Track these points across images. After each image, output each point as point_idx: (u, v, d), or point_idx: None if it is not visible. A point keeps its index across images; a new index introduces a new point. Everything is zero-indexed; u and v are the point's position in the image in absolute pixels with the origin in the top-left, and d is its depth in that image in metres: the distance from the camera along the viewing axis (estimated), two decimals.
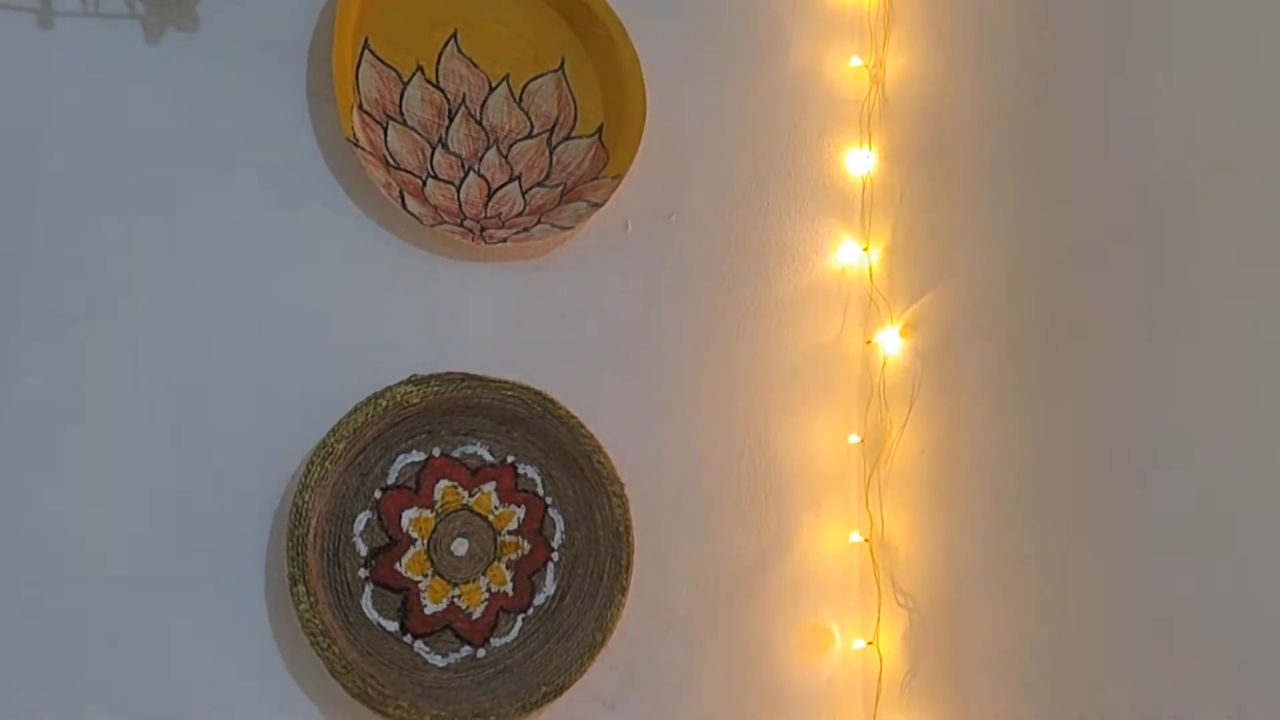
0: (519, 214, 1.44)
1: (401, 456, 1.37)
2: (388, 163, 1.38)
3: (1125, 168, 1.25)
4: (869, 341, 1.58)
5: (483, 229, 1.40)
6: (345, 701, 1.29)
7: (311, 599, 1.26)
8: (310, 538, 1.28)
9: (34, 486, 1.24)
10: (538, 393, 1.39)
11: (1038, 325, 1.35)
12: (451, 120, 1.42)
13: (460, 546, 1.37)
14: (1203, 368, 1.14)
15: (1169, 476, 1.17)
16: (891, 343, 1.54)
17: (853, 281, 1.59)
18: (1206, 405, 1.13)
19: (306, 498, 1.28)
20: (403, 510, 1.35)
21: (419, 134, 1.40)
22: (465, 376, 1.36)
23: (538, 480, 1.41)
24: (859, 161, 1.61)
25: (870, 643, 1.51)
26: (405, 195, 1.36)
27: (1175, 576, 1.15)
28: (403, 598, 1.34)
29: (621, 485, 1.41)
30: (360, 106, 1.37)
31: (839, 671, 1.53)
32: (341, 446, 1.30)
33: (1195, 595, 1.13)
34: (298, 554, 1.27)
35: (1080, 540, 1.27)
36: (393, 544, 1.35)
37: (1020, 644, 1.34)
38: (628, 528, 1.41)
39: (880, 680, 1.50)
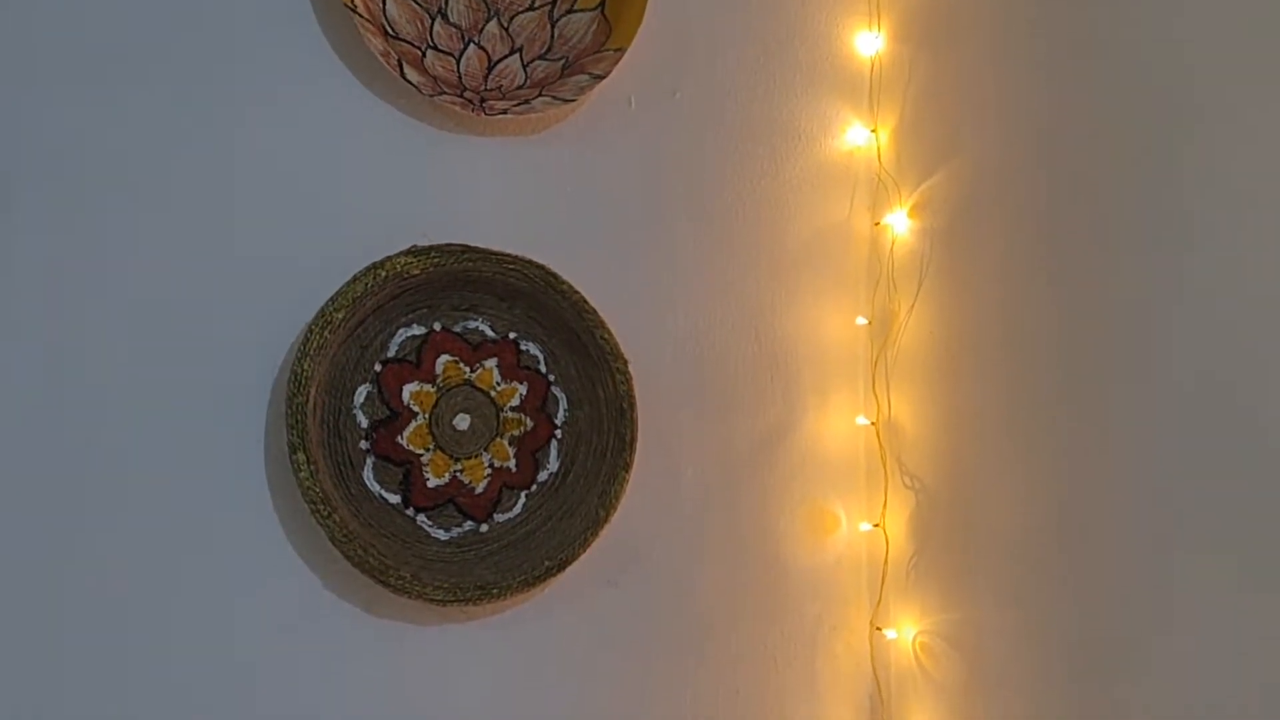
0: (520, 87, 1.41)
1: (402, 330, 1.35)
2: (386, 31, 1.35)
3: (1138, 41, 1.22)
4: (877, 223, 1.55)
5: (483, 100, 1.38)
6: (346, 571, 1.28)
7: (312, 467, 1.26)
8: (310, 406, 1.26)
9: (33, 347, 1.23)
10: (540, 266, 1.37)
11: (1048, 202, 1.33)
12: None
13: (462, 421, 1.36)
14: (1224, 246, 1.11)
15: (1181, 356, 1.14)
16: (900, 224, 1.52)
17: (860, 163, 1.56)
18: (1225, 283, 1.10)
19: (305, 365, 1.26)
20: (403, 384, 1.34)
21: (418, 4, 1.38)
22: (466, 249, 1.34)
23: (540, 357, 1.40)
24: (868, 43, 1.58)
25: (876, 525, 1.50)
26: (404, 64, 1.34)
27: (1184, 452, 1.13)
28: (404, 471, 1.33)
29: (625, 362, 1.39)
30: None
31: (845, 553, 1.52)
32: (341, 316, 1.28)
33: (1204, 469, 1.11)
34: (297, 422, 1.26)
35: (1089, 418, 1.25)
36: (394, 417, 1.33)
37: (1028, 522, 1.32)
38: (631, 404, 1.39)
39: (886, 562, 1.49)
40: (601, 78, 1.40)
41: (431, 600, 1.30)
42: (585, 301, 1.38)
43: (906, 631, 1.46)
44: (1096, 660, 1.21)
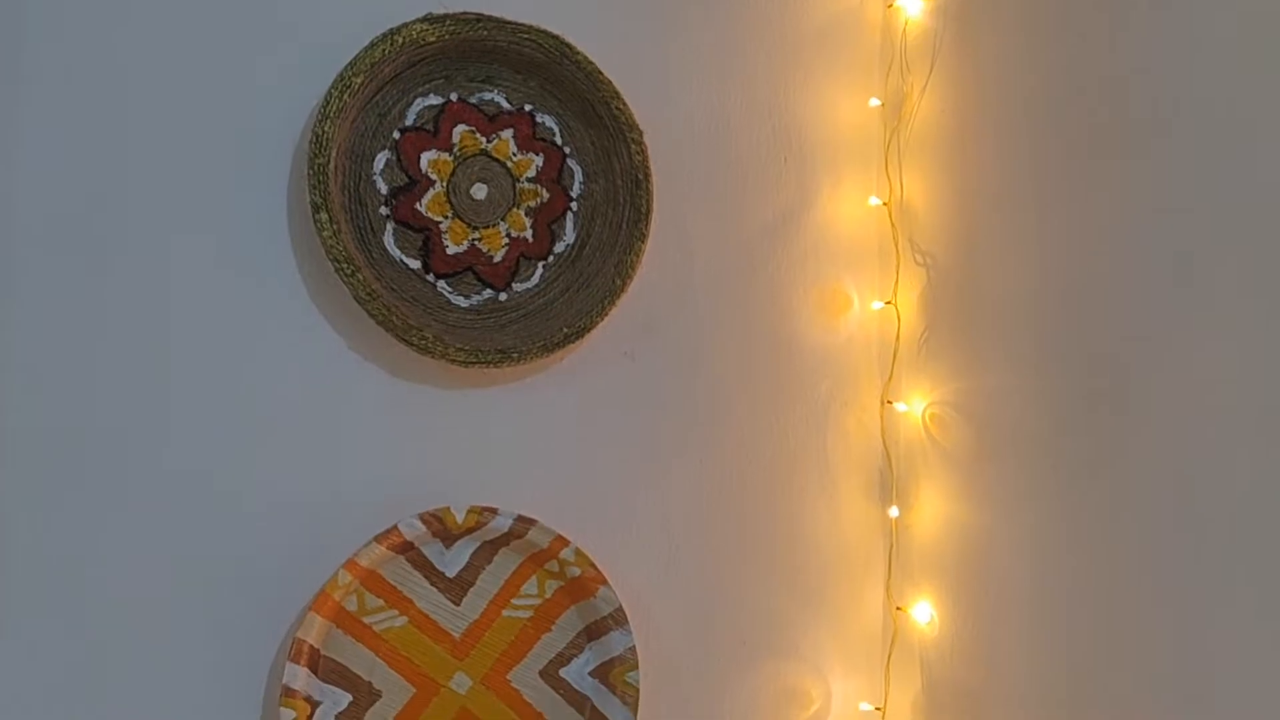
0: None
1: (419, 99, 1.36)
2: None
3: None
4: (890, 5, 1.55)
5: None
6: (370, 331, 1.32)
7: (334, 226, 1.28)
8: (331, 169, 1.28)
9: (55, 122, 1.25)
10: (554, 36, 1.37)
11: None
12: None
13: (479, 191, 1.38)
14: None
15: (1192, 122, 1.14)
16: (913, 5, 1.52)
17: None
18: (1239, 57, 1.10)
19: (326, 127, 1.28)
20: (421, 152, 1.36)
21: None
22: (481, 16, 1.35)
23: (555, 130, 1.41)
24: None
25: (888, 302, 1.52)
26: None
27: (1200, 212, 1.14)
28: (424, 237, 1.36)
29: (640, 132, 1.40)
30: None
31: (856, 332, 1.55)
32: (359, 81, 1.30)
33: (1216, 229, 1.12)
34: (319, 182, 1.28)
35: (1099, 185, 1.26)
36: (412, 184, 1.35)
37: (1037, 287, 1.34)
38: (647, 175, 1.41)
39: (898, 338, 1.51)
40: None
41: (454, 361, 1.33)
42: (600, 72, 1.39)
43: (916, 404, 1.49)
44: (1102, 414, 1.24)
